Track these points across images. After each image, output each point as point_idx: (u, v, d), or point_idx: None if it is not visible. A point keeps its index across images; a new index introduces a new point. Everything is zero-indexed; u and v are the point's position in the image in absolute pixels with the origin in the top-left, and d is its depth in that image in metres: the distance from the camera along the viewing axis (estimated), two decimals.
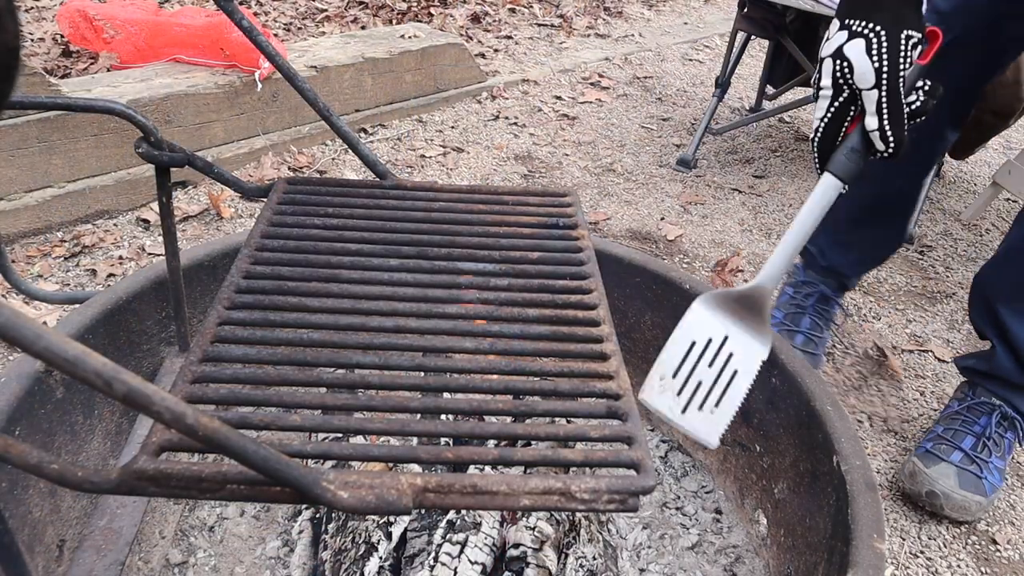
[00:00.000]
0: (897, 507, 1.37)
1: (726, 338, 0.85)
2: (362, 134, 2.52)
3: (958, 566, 1.27)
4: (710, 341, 0.85)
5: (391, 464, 0.96)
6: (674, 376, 0.83)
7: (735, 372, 0.83)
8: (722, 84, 2.59)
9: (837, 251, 1.58)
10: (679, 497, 1.26)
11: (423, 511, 1.04)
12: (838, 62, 0.86)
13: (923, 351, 1.76)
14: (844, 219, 1.54)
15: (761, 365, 0.84)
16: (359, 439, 1.10)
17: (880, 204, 1.49)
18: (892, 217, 1.50)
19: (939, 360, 1.75)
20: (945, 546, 1.31)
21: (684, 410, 0.81)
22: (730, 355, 0.84)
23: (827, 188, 0.89)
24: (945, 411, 1.45)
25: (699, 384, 0.83)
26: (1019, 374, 1.36)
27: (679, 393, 0.82)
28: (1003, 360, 1.37)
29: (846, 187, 0.89)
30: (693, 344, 0.84)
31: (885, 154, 0.88)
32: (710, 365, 0.84)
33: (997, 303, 1.36)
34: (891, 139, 0.87)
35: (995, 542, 1.32)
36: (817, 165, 0.92)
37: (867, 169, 1.47)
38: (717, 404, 0.82)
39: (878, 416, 1.56)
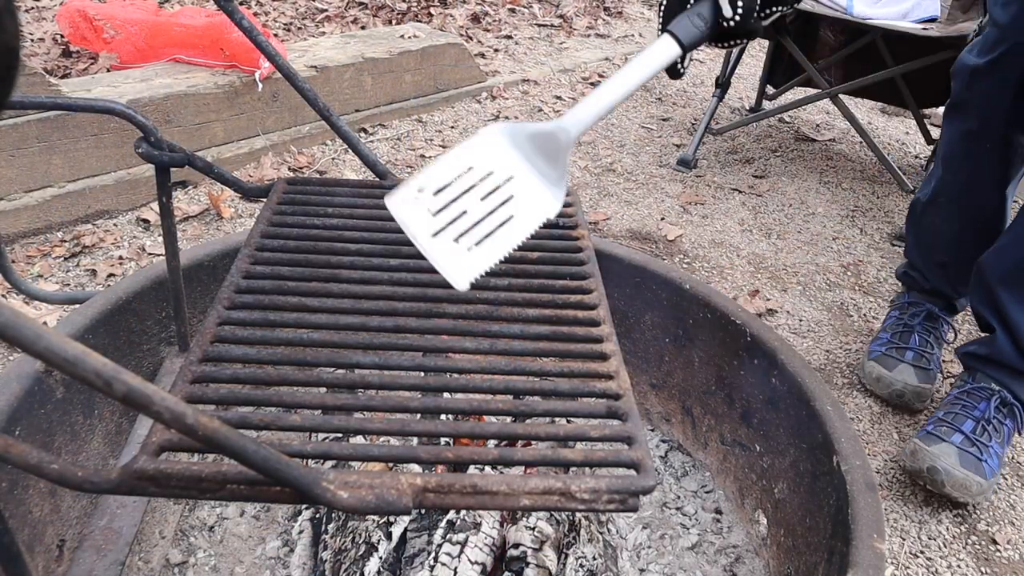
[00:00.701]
0: (897, 507, 1.37)
1: (512, 178, 0.73)
2: (362, 134, 2.52)
3: (958, 566, 1.27)
4: (491, 174, 0.72)
5: (391, 464, 0.96)
6: (435, 194, 0.71)
7: (511, 217, 0.72)
8: (722, 84, 2.59)
9: (937, 273, 1.59)
10: (679, 497, 1.26)
11: (423, 511, 1.04)
12: None
13: None
14: (939, 242, 1.56)
15: (545, 221, 0.73)
16: (359, 439, 1.10)
17: (969, 223, 1.51)
18: (984, 233, 1.50)
19: None
20: (945, 546, 1.31)
21: (436, 235, 0.70)
22: (511, 197, 0.72)
23: (663, 49, 0.81)
24: (946, 398, 1.46)
25: (463, 213, 0.70)
26: (1018, 359, 1.37)
27: (435, 214, 0.70)
28: (1003, 345, 1.38)
29: (682, 56, 0.81)
30: (471, 169, 0.72)
31: (731, 22, 0.81)
32: (483, 199, 0.71)
33: (997, 287, 1.37)
34: (740, 5, 0.80)
35: (995, 542, 1.32)
36: (660, 26, 0.85)
37: (948, 189, 1.50)
38: (478, 244, 0.70)
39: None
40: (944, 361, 1.66)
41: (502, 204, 0.72)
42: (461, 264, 0.69)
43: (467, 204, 0.71)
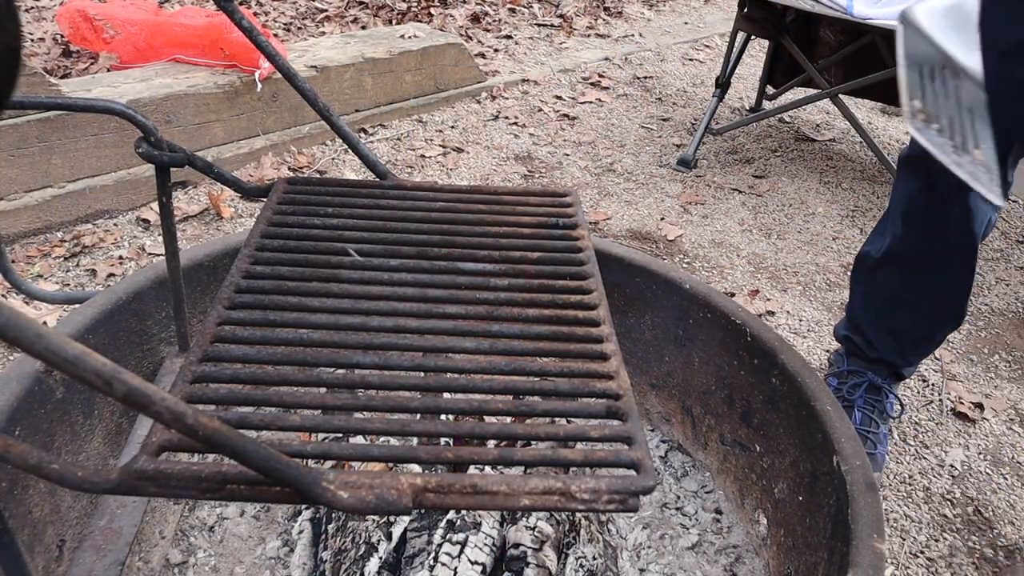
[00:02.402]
0: (897, 507, 1.37)
1: (944, 65, 0.81)
2: (362, 134, 2.52)
3: (958, 566, 1.28)
4: (933, 67, 0.82)
5: (391, 464, 0.96)
6: (933, 102, 0.79)
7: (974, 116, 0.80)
8: (722, 84, 2.59)
9: (886, 340, 1.42)
10: (679, 497, 1.26)
11: (423, 511, 1.04)
12: None
13: None
14: (895, 307, 1.39)
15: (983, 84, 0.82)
16: (359, 439, 1.10)
17: (934, 287, 1.34)
18: (950, 298, 1.35)
19: (935, 358, 1.75)
20: (945, 546, 1.31)
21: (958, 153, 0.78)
22: (958, 85, 0.80)
23: None
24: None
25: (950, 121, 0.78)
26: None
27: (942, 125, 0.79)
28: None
29: None
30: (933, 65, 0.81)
31: None
32: (945, 98, 0.80)
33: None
34: None
35: (995, 542, 1.32)
36: None
37: (909, 248, 1.34)
38: (977, 147, 0.78)
39: None
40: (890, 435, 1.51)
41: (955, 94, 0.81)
42: (987, 175, 0.78)
43: (943, 108, 0.81)
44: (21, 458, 0.54)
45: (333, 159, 2.35)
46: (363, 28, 3.33)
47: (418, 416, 0.73)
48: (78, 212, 1.89)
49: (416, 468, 0.97)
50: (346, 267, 0.86)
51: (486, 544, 0.98)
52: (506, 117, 2.77)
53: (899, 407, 1.51)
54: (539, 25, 3.78)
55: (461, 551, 0.96)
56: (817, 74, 2.44)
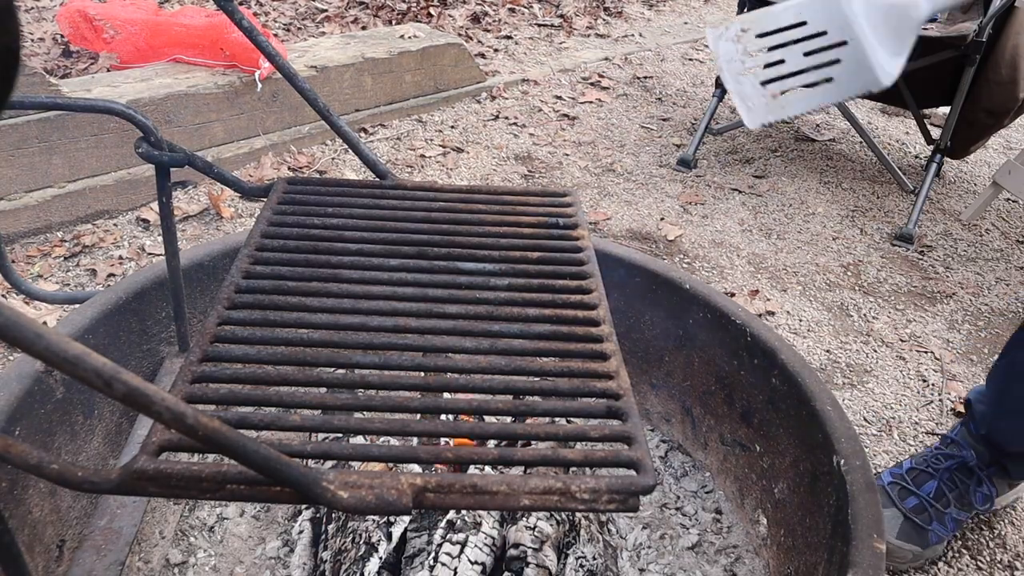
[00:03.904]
0: None
1: (845, 42, 0.70)
2: (362, 134, 2.52)
3: (958, 566, 1.27)
4: (824, 33, 0.70)
5: (391, 464, 0.96)
6: (759, 36, 0.71)
7: (829, 79, 0.71)
8: (722, 84, 2.59)
9: (1007, 419, 1.22)
10: (679, 497, 1.26)
11: (423, 511, 1.04)
12: None
13: (923, 351, 1.77)
14: None
15: (867, 92, 0.73)
16: (359, 439, 1.10)
17: None
18: None
19: (937, 359, 1.75)
20: (944, 546, 1.31)
21: (743, 73, 0.71)
22: (837, 60, 0.70)
23: None
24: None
25: (780, 62, 0.71)
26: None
27: (751, 55, 0.71)
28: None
29: None
30: (804, 24, 0.70)
31: None
32: (806, 55, 0.71)
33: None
34: None
35: (995, 541, 1.32)
36: None
37: None
38: (783, 93, 0.71)
39: None
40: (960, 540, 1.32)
41: (826, 65, 0.71)
42: (759, 107, 0.71)
43: (788, 55, 0.71)
44: (21, 458, 0.54)
45: (333, 159, 2.35)
46: (363, 28, 3.33)
47: (418, 416, 0.73)
48: (78, 212, 1.89)
49: (416, 468, 0.97)
50: (346, 267, 0.86)
51: (486, 544, 0.98)
52: (506, 117, 2.77)
53: (988, 503, 1.27)
54: (539, 25, 3.78)
55: (461, 551, 0.96)
56: None
